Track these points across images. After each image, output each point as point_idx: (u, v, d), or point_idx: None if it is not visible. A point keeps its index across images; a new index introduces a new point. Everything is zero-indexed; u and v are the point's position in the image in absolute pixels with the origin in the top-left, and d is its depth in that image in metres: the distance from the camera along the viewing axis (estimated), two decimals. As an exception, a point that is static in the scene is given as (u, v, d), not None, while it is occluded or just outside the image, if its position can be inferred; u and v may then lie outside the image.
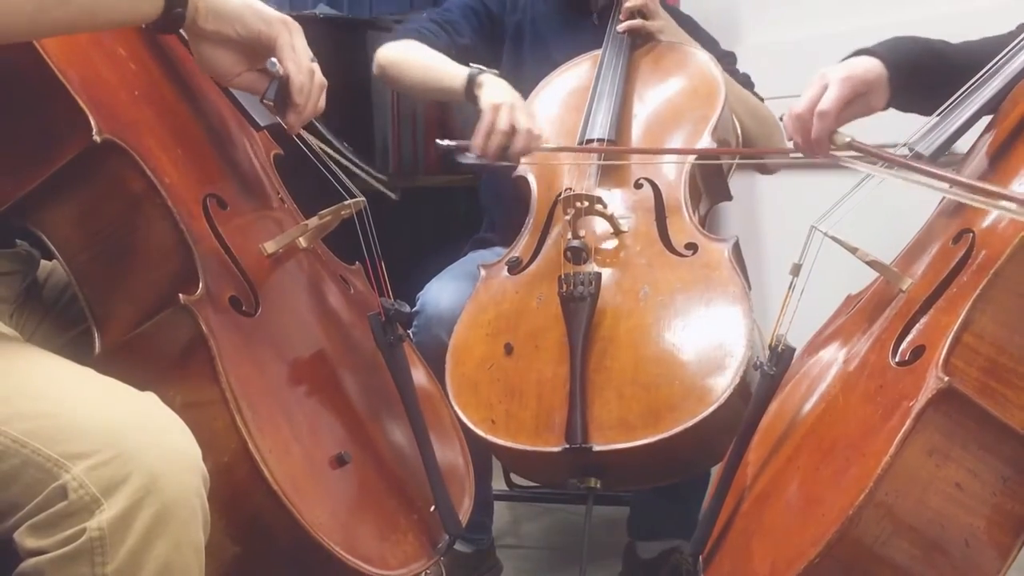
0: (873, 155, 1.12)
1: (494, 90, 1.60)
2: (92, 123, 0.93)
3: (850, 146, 1.16)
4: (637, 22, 1.74)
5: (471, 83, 1.63)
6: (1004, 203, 0.95)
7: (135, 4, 0.94)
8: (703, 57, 1.71)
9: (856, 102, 1.21)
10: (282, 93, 1.06)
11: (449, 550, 1.17)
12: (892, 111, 1.35)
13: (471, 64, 1.67)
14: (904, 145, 1.18)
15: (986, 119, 1.18)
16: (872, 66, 1.22)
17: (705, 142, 1.59)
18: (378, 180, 1.23)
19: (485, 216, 1.96)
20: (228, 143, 1.20)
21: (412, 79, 1.76)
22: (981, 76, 1.15)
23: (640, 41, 1.77)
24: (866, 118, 1.28)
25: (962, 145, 1.18)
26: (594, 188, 1.57)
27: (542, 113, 1.73)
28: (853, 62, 1.24)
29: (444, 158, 1.92)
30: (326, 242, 1.29)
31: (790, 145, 1.26)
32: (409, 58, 1.76)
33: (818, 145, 1.19)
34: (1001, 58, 1.15)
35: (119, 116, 0.99)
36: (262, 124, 1.20)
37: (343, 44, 2.39)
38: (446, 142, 1.60)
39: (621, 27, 1.75)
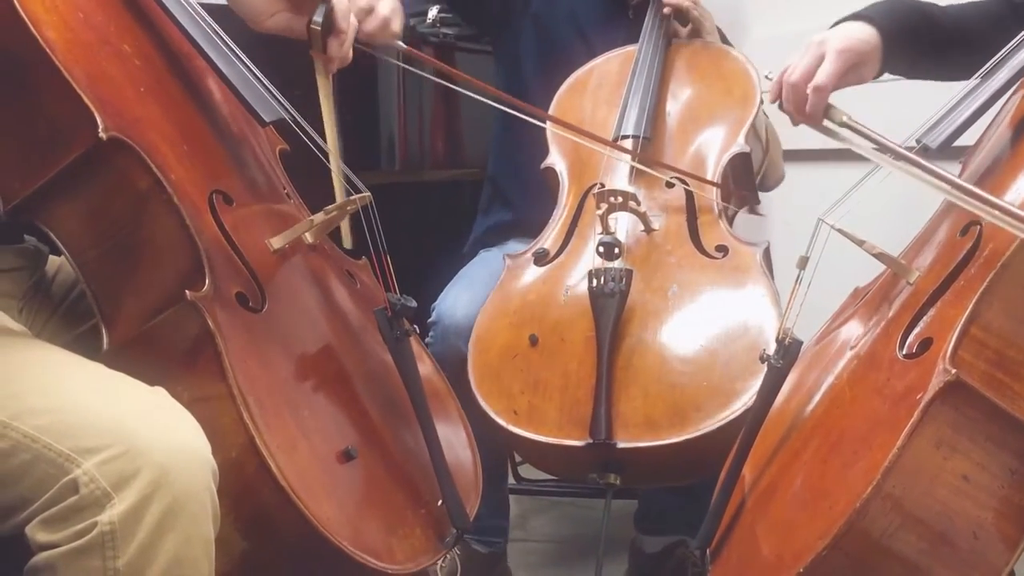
0: (867, 138, 1.12)
1: None
2: (98, 120, 0.93)
3: (845, 125, 1.15)
4: (685, 1, 1.73)
5: None
6: (987, 208, 0.94)
7: None
8: (740, 57, 1.70)
9: (849, 73, 1.21)
10: (327, 19, 1.07)
11: (458, 544, 1.17)
12: (897, 108, 1.34)
13: None
14: (911, 137, 1.18)
15: (993, 112, 1.17)
16: (869, 36, 1.20)
17: (739, 145, 1.58)
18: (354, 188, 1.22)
19: (488, 186, 1.93)
20: (234, 139, 1.20)
21: None
22: (988, 68, 1.15)
23: (676, 40, 1.76)
24: (869, 110, 1.28)
25: (968, 139, 1.17)
26: (626, 184, 1.56)
27: (575, 105, 1.72)
28: (850, 31, 1.21)
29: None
30: (332, 237, 1.29)
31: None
32: None
33: (811, 118, 1.19)
34: (1008, 50, 1.15)
35: (125, 113, 0.99)
36: (267, 120, 1.20)
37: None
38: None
39: (667, 9, 1.72)
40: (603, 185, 1.54)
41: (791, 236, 1.23)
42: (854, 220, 1.15)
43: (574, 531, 2.18)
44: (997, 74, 1.13)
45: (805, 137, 1.31)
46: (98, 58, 1.01)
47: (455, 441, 1.29)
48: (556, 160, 1.67)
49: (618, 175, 1.59)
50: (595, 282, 1.43)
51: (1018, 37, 1.15)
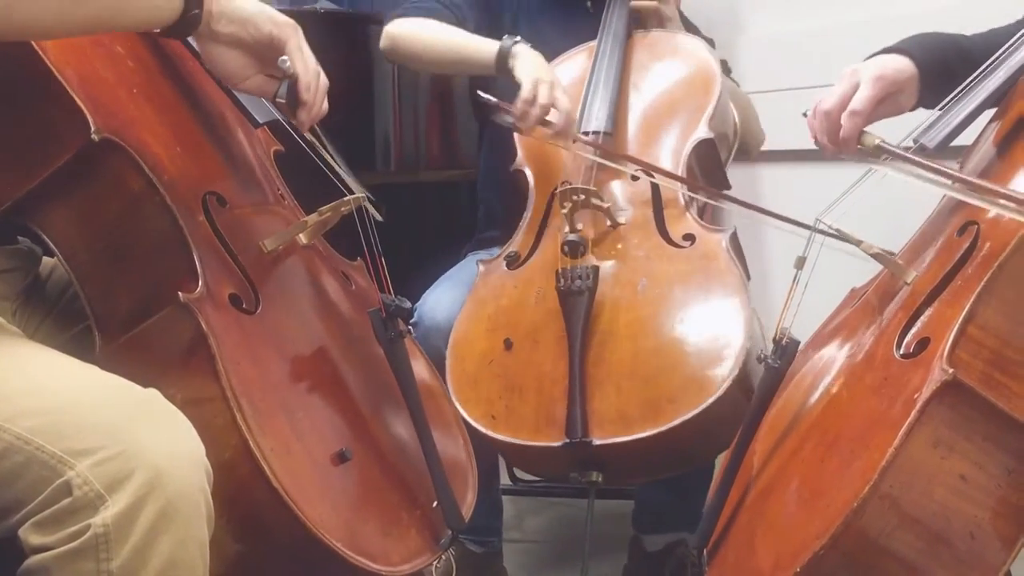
0: (904, 160, 1.09)
1: (533, 63, 1.58)
2: (90, 122, 0.93)
3: (879, 149, 1.13)
4: (652, 4, 1.72)
5: (504, 54, 1.61)
6: None
7: (156, 5, 0.96)
8: (699, 45, 1.70)
9: (886, 102, 1.20)
10: (292, 92, 1.09)
11: (453, 544, 1.17)
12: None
13: (504, 36, 1.65)
14: (908, 136, 1.18)
15: (990, 112, 1.17)
16: (904, 66, 1.21)
17: (702, 132, 1.58)
18: (370, 201, 1.23)
19: (481, 207, 1.94)
20: (228, 140, 1.20)
21: (433, 52, 1.73)
22: (985, 68, 1.14)
23: (636, 29, 1.75)
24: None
25: (965, 138, 1.17)
26: (591, 181, 1.56)
27: None
28: (885, 60, 1.22)
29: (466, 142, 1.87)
30: (328, 237, 1.29)
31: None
32: (428, 31, 1.72)
33: (845, 145, 1.18)
34: (1005, 50, 1.15)
35: (117, 114, 0.99)
36: (260, 121, 1.20)
37: (344, 39, 2.39)
38: (488, 97, 1.57)
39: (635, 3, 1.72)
40: (568, 183, 1.54)
41: (788, 236, 1.23)
42: (851, 220, 1.15)
43: (569, 531, 2.18)
44: (995, 73, 1.12)
45: (802, 137, 1.30)
46: (90, 59, 1.01)
47: (450, 442, 1.28)
48: (523, 162, 1.67)
49: (583, 172, 1.58)
50: (562, 281, 1.43)
51: (1016, 36, 1.15)
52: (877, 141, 1.14)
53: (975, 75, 1.14)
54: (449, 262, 1.81)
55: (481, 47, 1.65)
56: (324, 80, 1.13)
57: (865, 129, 1.17)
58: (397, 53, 1.77)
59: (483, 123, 1.88)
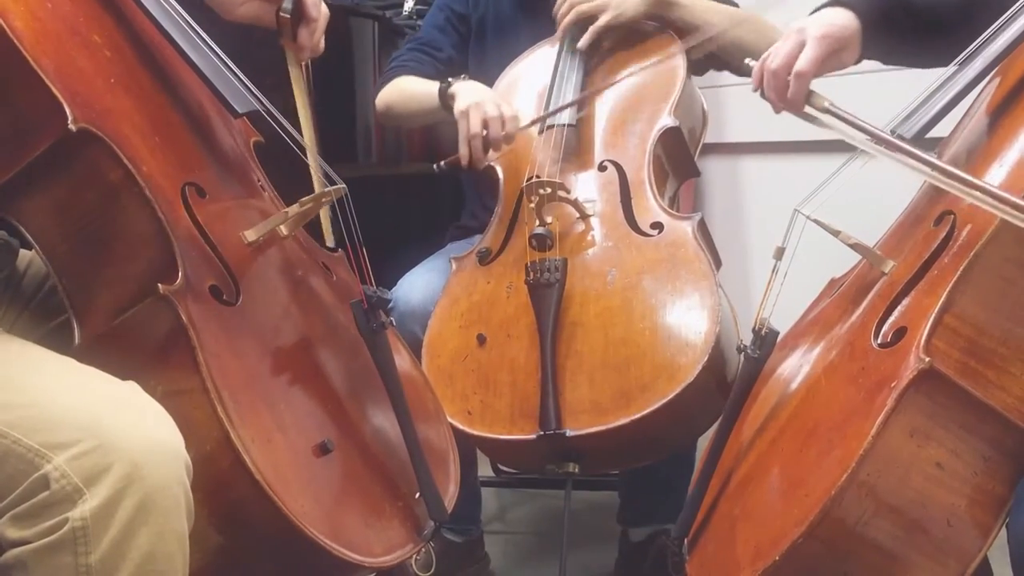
0: (850, 123, 1.11)
1: (462, 97, 1.63)
2: (67, 112, 0.92)
3: (827, 111, 1.15)
4: (589, 34, 1.69)
5: (444, 98, 1.67)
6: (967, 189, 0.96)
7: None
8: (663, 32, 1.70)
9: (830, 59, 1.21)
10: (297, 7, 1.09)
11: (435, 536, 1.17)
12: (873, 98, 1.35)
13: (446, 80, 1.70)
14: (885, 127, 1.18)
15: (967, 102, 1.18)
16: (848, 22, 1.21)
17: (667, 120, 1.59)
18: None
19: (467, 203, 1.97)
20: (207, 130, 1.19)
21: (408, 113, 1.81)
22: (963, 58, 1.15)
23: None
24: (844, 101, 1.28)
25: (942, 129, 1.18)
26: (558, 173, 1.57)
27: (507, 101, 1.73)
28: (830, 17, 1.22)
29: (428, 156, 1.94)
30: (308, 229, 1.28)
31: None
32: (401, 94, 1.81)
33: (793, 105, 1.18)
34: (983, 39, 1.15)
35: (95, 104, 0.98)
36: (240, 111, 1.19)
37: (326, 31, 2.38)
38: (443, 163, 1.65)
39: (581, 43, 1.69)
40: (536, 177, 1.55)
41: (767, 226, 1.24)
42: (830, 210, 1.15)
43: (552, 522, 2.18)
44: (972, 63, 1.13)
45: (781, 129, 1.31)
46: (67, 49, 1.00)
47: (432, 433, 1.28)
48: (492, 158, 1.67)
49: (550, 166, 1.59)
50: (531, 275, 1.45)
51: (993, 26, 1.16)
52: (826, 103, 1.15)
53: (954, 64, 1.14)
54: (429, 253, 1.81)
55: (431, 95, 1.71)
56: (325, 10, 1.14)
57: (813, 90, 1.17)
58: (391, 121, 1.88)
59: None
